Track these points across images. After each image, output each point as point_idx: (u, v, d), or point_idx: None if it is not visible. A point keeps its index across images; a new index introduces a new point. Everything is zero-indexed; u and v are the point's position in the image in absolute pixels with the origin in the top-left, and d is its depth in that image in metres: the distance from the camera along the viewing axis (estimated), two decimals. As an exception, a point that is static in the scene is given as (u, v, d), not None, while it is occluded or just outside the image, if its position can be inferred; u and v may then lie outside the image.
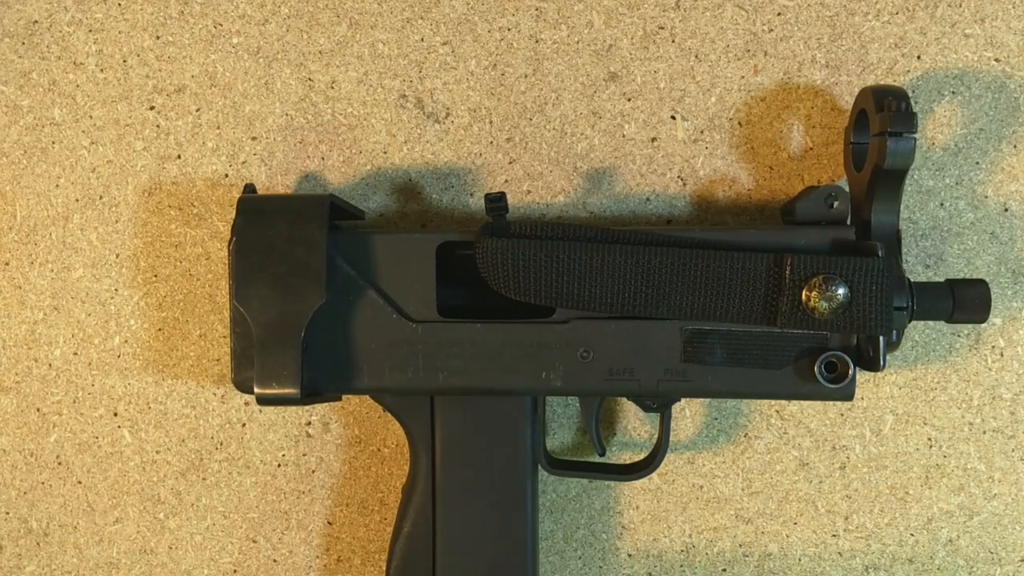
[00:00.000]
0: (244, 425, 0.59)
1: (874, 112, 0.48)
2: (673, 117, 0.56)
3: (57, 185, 0.58)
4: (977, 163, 0.55)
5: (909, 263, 0.56)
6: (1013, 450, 0.56)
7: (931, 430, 0.57)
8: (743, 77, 0.56)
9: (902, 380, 0.57)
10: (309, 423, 0.59)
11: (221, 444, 0.59)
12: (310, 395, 0.50)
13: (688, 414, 0.58)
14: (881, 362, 0.47)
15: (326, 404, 0.59)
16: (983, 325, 0.56)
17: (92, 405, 0.59)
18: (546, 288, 0.48)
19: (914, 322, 0.50)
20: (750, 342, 0.49)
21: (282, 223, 0.49)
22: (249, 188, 0.53)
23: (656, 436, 0.55)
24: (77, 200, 0.58)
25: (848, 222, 0.50)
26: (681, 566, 0.58)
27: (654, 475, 0.55)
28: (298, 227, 0.49)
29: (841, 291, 0.46)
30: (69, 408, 0.59)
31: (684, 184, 0.56)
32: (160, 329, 0.58)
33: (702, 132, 0.56)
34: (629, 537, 0.58)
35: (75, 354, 0.59)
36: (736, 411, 0.57)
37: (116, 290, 0.58)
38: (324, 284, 0.49)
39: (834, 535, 0.57)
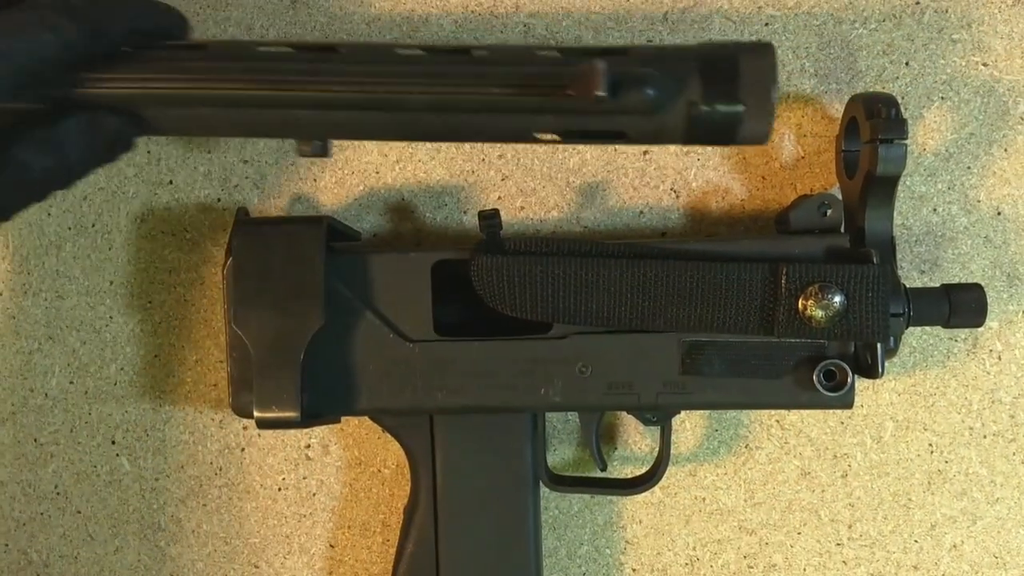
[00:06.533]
0: (243, 450, 0.58)
1: (864, 119, 0.48)
2: (664, 130, 0.56)
3: (49, 214, 0.58)
4: (969, 168, 0.55)
5: (904, 269, 0.56)
6: (1014, 453, 0.56)
7: (932, 436, 0.57)
8: (733, 88, 0.56)
9: (901, 386, 0.56)
10: (308, 446, 0.58)
11: (220, 470, 0.58)
12: (310, 417, 0.50)
13: (688, 426, 0.57)
14: (880, 369, 0.47)
15: (325, 426, 0.58)
16: (980, 329, 0.56)
17: (89, 434, 0.59)
18: (543, 304, 0.48)
19: (911, 328, 0.50)
20: (748, 352, 0.49)
21: (279, 245, 0.49)
22: (242, 211, 0.53)
23: (657, 449, 0.55)
24: (69, 228, 0.58)
25: (842, 230, 0.50)
26: (686, 579, 0.58)
27: (656, 488, 0.55)
28: (296, 249, 0.49)
29: (837, 299, 0.46)
30: (66, 437, 0.59)
31: (677, 196, 0.56)
32: (156, 355, 0.58)
33: (694, 144, 0.56)
34: (633, 552, 0.58)
35: (71, 383, 0.58)
36: (736, 422, 0.57)
37: (111, 317, 0.58)
38: (323, 306, 0.49)
39: (838, 544, 0.57)
